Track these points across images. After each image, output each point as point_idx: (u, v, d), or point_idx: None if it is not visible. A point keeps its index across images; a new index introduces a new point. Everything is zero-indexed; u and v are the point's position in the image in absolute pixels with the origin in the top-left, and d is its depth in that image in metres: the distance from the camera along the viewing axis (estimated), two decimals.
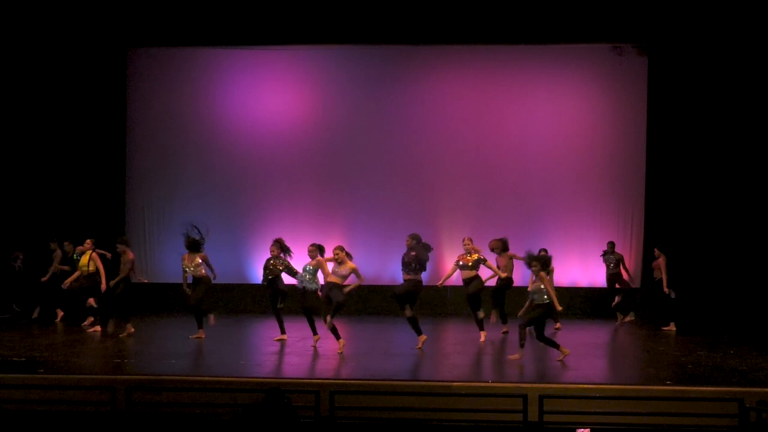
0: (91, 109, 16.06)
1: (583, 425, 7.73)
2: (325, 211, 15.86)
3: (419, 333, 11.16)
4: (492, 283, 12.73)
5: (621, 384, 8.97)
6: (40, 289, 14.29)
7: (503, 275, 12.57)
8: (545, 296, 10.24)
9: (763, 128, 15.02)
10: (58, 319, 13.94)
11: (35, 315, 14.28)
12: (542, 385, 8.44)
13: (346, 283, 11.02)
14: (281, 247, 11.75)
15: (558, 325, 13.29)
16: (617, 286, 14.37)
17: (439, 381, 9.02)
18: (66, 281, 13.12)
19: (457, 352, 11.30)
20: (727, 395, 7.98)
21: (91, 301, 13.15)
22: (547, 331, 10.75)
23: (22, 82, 15.77)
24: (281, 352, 11.34)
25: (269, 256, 11.79)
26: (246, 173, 16.13)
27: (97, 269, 12.69)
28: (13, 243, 15.51)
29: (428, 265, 11.31)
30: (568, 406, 7.91)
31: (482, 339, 11.84)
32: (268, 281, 11.68)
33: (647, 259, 15.57)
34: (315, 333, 11.28)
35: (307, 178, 16.04)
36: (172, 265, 14.65)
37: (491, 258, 12.52)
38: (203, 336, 11.69)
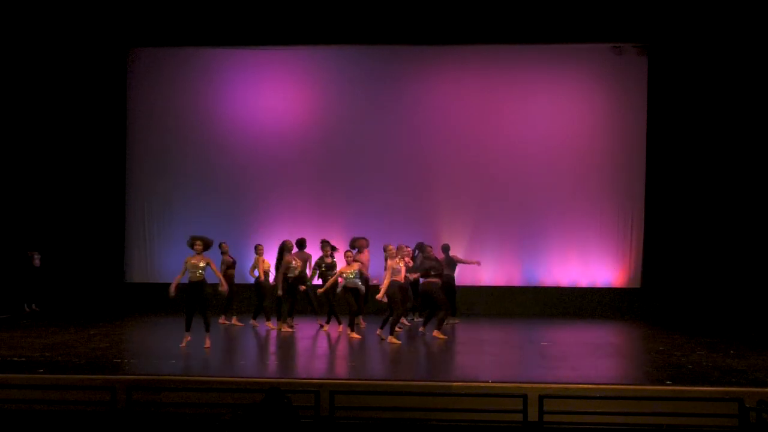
0: (91, 109, 16.09)
1: (584, 425, 7.74)
2: (325, 211, 15.87)
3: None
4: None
5: (621, 384, 8.96)
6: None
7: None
8: None
9: (763, 128, 15.02)
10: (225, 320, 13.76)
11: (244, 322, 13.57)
12: (542, 385, 8.43)
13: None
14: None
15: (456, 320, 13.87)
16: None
17: (439, 381, 9.02)
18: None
19: (457, 352, 11.31)
20: (727, 395, 7.98)
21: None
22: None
23: (22, 82, 15.79)
24: (281, 352, 11.35)
25: (321, 255, 13.08)
26: (246, 173, 16.14)
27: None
28: (13, 243, 15.55)
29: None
30: (568, 406, 7.91)
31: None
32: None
33: (647, 260, 15.59)
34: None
35: (307, 178, 16.05)
36: (172, 264, 14.64)
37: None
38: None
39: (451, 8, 15.31)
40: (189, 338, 11.08)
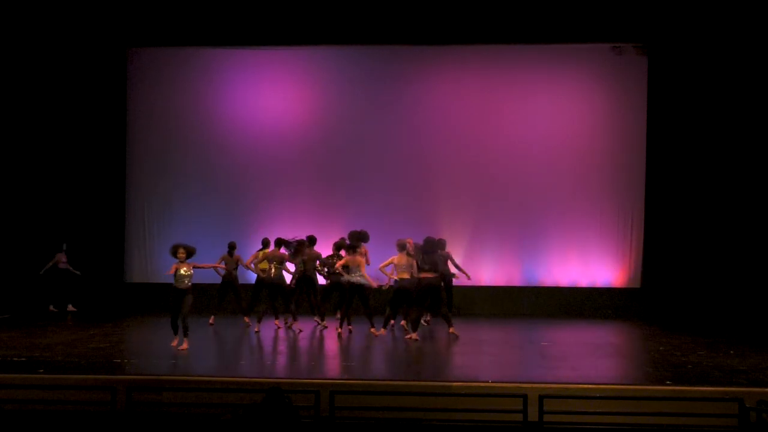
0: (91, 109, 16.08)
1: (584, 425, 7.73)
2: (324, 211, 15.85)
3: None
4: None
5: (621, 384, 8.97)
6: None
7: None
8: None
9: (763, 128, 15.01)
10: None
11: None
12: (542, 385, 8.43)
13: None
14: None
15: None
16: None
17: (439, 381, 9.02)
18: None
19: (457, 352, 11.31)
20: (727, 395, 7.98)
21: None
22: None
23: (22, 82, 15.78)
24: (281, 352, 11.36)
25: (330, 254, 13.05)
26: (246, 173, 16.13)
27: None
28: (13, 244, 15.55)
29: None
30: (568, 406, 7.91)
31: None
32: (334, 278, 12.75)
33: (647, 260, 15.59)
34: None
35: (307, 178, 16.04)
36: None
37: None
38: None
39: (451, 8, 15.30)
40: (178, 339, 11.12)
